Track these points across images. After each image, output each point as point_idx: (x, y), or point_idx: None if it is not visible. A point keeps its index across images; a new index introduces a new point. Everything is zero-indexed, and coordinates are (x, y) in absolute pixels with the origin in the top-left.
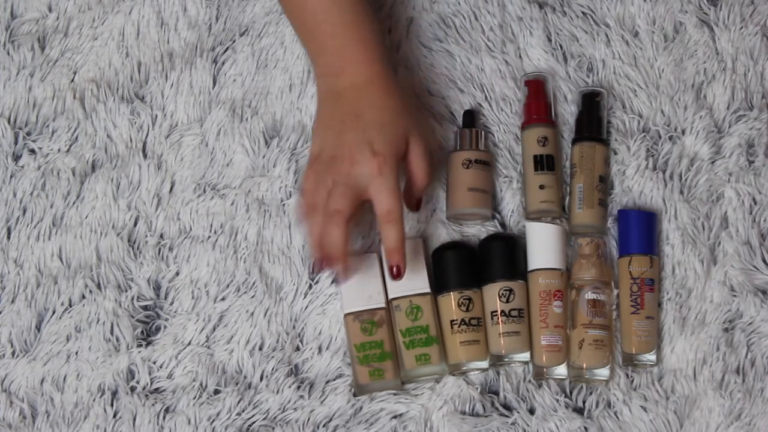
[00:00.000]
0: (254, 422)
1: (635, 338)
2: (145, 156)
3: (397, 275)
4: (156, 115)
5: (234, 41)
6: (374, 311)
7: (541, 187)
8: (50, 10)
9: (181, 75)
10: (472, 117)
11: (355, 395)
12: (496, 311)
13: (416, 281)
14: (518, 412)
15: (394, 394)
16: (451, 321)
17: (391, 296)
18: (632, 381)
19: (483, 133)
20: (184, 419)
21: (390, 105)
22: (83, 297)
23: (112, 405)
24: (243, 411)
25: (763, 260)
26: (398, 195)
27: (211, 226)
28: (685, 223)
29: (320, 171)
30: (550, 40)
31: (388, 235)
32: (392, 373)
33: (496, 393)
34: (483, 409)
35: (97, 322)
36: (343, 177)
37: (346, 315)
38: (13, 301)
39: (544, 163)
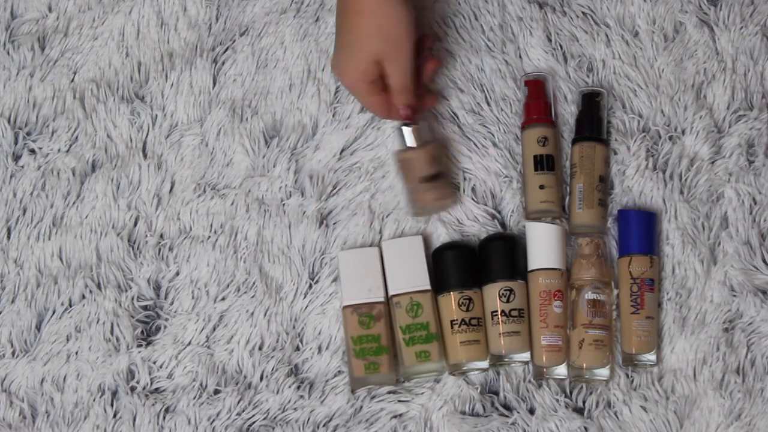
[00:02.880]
0: (254, 422)
1: (635, 338)
2: (145, 156)
3: (407, 116)
4: (156, 115)
5: (234, 41)
6: (373, 305)
7: (541, 187)
8: (50, 10)
9: (181, 75)
10: None
11: (351, 390)
12: (497, 311)
13: (416, 278)
14: (518, 412)
15: (394, 393)
16: (452, 321)
17: (391, 293)
18: (632, 381)
19: (425, 125)
20: (184, 419)
21: (360, 24)
22: (83, 297)
23: (112, 405)
24: (243, 411)
25: (763, 260)
26: (374, 109)
27: (211, 226)
28: (685, 223)
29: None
30: (550, 40)
31: (397, 99)
32: (387, 368)
33: (496, 393)
34: (483, 409)
35: (97, 322)
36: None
37: (344, 307)
38: (13, 301)
39: (544, 163)
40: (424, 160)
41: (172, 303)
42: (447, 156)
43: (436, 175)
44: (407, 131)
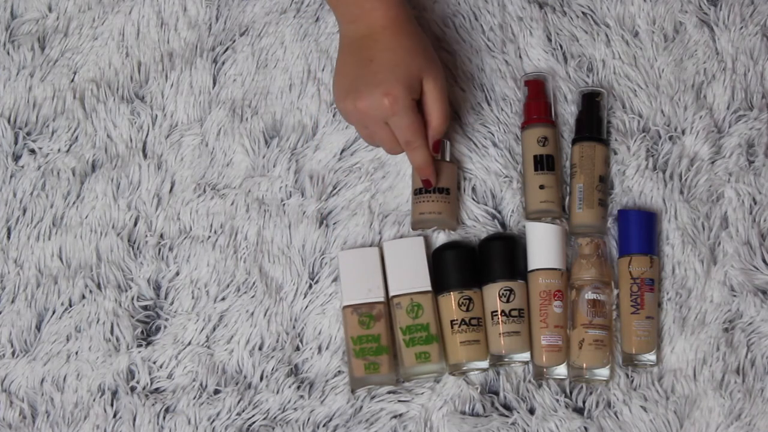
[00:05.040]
0: (254, 422)
1: (635, 338)
2: (145, 156)
3: (428, 186)
4: (156, 115)
5: (234, 41)
6: (373, 305)
7: (541, 187)
8: (50, 10)
9: (181, 75)
10: None
11: (351, 390)
12: (497, 311)
13: (417, 279)
14: (518, 412)
15: (394, 393)
16: (452, 321)
17: (392, 294)
18: (632, 381)
19: (447, 142)
20: (184, 419)
21: (403, 45)
22: (83, 297)
23: (112, 405)
24: (243, 411)
25: (763, 260)
26: (416, 127)
27: (211, 226)
28: (685, 223)
29: (356, 120)
30: (550, 40)
31: (413, 159)
32: (387, 368)
33: (496, 393)
34: (483, 409)
35: (97, 322)
36: (371, 120)
37: (344, 307)
38: (13, 301)
39: (544, 163)
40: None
41: (172, 303)
42: (455, 178)
43: (432, 190)
44: None
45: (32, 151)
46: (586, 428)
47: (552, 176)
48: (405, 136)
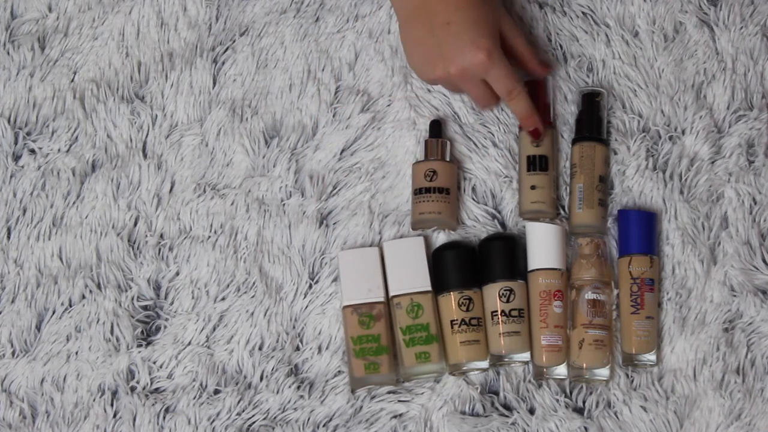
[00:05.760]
0: (254, 422)
1: (635, 338)
2: (145, 156)
3: (537, 136)
4: (156, 115)
5: (234, 41)
6: (373, 305)
7: (533, 187)
8: (50, 10)
9: (181, 75)
10: (438, 127)
11: (351, 390)
12: (497, 311)
13: (417, 279)
14: (518, 412)
15: (394, 393)
16: (452, 321)
17: (392, 294)
18: (632, 381)
19: (448, 143)
20: (184, 419)
21: (474, 1)
22: (83, 297)
23: (112, 405)
24: (243, 411)
25: (763, 260)
26: (514, 74)
27: (211, 226)
28: (685, 223)
29: (447, 85)
30: (550, 40)
31: (516, 108)
32: (387, 368)
33: (496, 393)
34: (483, 409)
35: (97, 322)
36: (466, 81)
37: (344, 307)
38: (13, 301)
39: (537, 163)
40: (419, 173)
41: (172, 303)
42: (455, 178)
43: (429, 189)
44: (427, 143)
45: (32, 151)
46: (586, 428)
47: (545, 177)
48: (506, 86)
